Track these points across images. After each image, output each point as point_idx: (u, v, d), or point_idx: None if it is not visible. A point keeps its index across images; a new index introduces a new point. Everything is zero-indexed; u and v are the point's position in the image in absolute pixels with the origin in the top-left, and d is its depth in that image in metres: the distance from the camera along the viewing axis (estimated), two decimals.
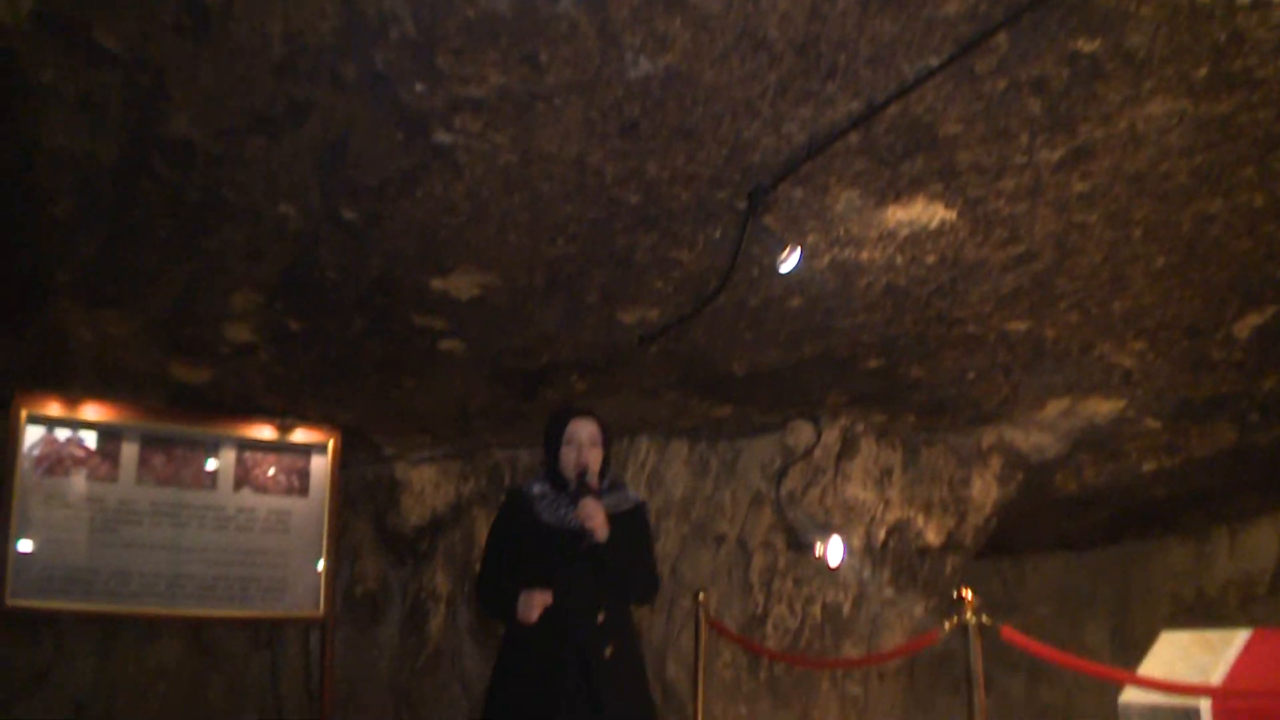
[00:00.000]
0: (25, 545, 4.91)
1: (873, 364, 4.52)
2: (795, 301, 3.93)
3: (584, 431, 3.20)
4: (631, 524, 3.20)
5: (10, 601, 4.78)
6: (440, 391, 4.91)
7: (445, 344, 4.28)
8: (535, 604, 2.95)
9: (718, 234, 3.45)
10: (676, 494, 5.49)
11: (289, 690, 6.26)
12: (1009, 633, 3.62)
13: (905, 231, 3.51)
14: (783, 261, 3.31)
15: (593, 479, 3.13)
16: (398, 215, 3.32)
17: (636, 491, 3.84)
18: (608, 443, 3.27)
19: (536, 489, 3.23)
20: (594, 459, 3.18)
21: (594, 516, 2.97)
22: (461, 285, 3.78)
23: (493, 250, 3.54)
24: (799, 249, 3.33)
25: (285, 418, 5.44)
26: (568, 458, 3.17)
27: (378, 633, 6.56)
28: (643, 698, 3.15)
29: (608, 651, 2.99)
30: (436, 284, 3.76)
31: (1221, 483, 6.26)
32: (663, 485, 5.51)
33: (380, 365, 4.56)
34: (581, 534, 2.99)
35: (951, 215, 3.43)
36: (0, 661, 5.05)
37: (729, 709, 5.32)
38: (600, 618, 3.02)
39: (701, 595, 5.02)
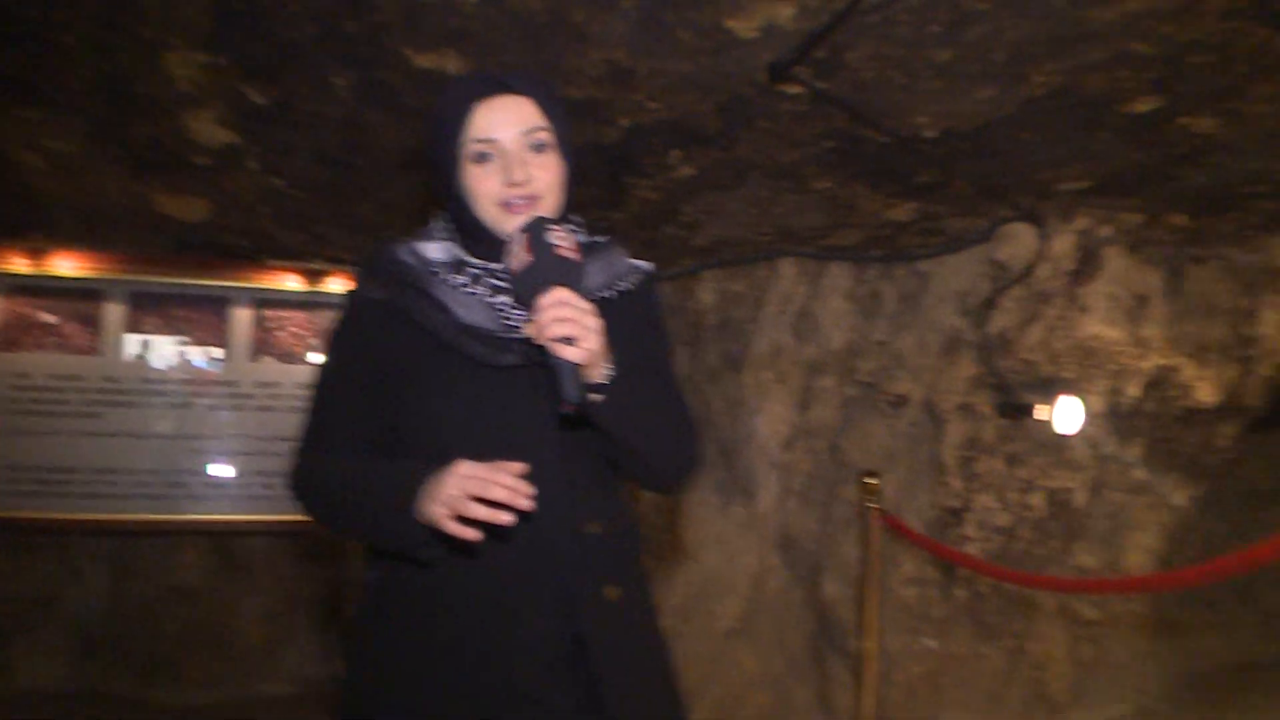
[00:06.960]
0: None
1: (1140, 107, 2.86)
2: None
3: (508, 122, 1.46)
4: (639, 322, 1.57)
5: None
6: None
7: None
8: (497, 490, 1.27)
9: None
10: (836, 341, 4.00)
11: None
12: None
13: None
14: None
15: (561, 235, 1.39)
16: None
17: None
18: (566, 140, 1.52)
19: (433, 251, 1.52)
20: (545, 179, 1.48)
21: (577, 321, 1.31)
22: None
23: None
24: None
25: (311, 260, 4.18)
26: (485, 185, 1.47)
27: None
28: (665, 681, 1.58)
29: (610, 593, 1.48)
30: None
31: None
32: (817, 329, 4.02)
33: (400, 157, 3.19)
34: (546, 357, 1.33)
35: None
36: None
37: (912, 642, 3.89)
38: (595, 527, 1.49)
39: (872, 481, 3.56)
